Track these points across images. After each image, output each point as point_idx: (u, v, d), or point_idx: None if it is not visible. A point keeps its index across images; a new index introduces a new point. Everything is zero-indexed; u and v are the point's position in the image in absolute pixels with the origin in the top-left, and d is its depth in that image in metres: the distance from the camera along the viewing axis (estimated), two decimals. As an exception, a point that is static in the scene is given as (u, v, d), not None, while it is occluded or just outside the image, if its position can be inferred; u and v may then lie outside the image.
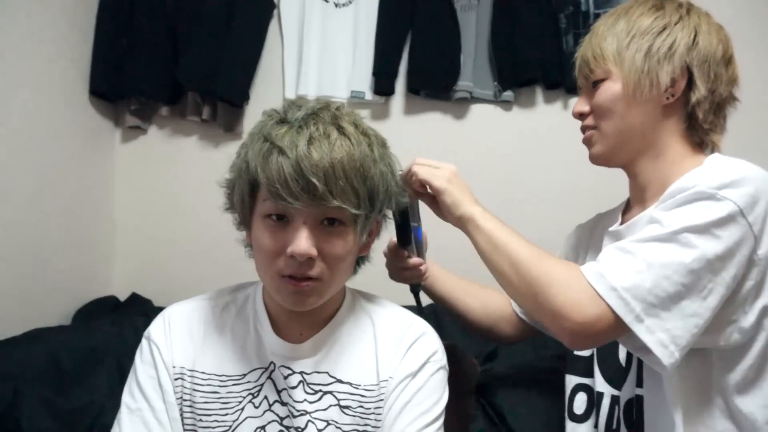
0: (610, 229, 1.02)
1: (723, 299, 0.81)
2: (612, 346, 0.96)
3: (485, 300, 1.18)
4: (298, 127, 0.77)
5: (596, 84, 0.97)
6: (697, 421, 0.85)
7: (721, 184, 0.80)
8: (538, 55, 1.80)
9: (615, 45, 0.95)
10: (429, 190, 1.00)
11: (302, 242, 0.77)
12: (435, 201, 1.01)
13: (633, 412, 0.92)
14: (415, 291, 1.13)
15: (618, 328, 0.79)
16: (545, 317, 0.85)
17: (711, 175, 0.83)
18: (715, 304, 0.80)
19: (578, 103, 1.02)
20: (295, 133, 0.76)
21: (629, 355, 0.94)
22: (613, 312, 0.79)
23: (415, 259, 1.07)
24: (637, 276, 0.79)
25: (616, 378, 0.96)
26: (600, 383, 0.98)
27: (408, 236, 1.06)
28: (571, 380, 1.03)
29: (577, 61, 1.02)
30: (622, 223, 1.00)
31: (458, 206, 0.96)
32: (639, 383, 0.91)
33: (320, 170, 0.74)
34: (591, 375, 0.99)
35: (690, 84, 0.92)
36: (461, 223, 0.97)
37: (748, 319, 0.83)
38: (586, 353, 1.01)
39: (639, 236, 0.83)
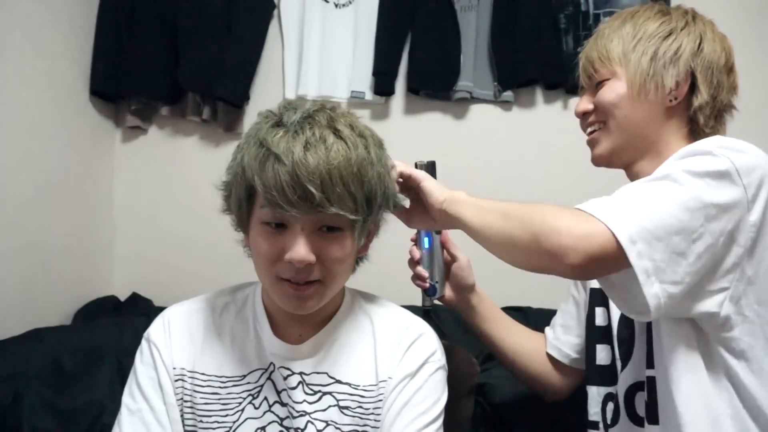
0: None
1: (708, 251, 0.78)
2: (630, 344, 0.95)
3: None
4: (293, 132, 0.76)
5: (599, 84, 0.98)
6: (708, 397, 0.83)
7: (721, 146, 0.81)
8: (538, 55, 1.80)
9: (621, 47, 0.95)
10: (409, 183, 0.96)
11: (300, 249, 0.76)
12: (408, 210, 0.98)
13: (643, 395, 0.90)
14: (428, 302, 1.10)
15: (611, 248, 0.75)
16: (544, 243, 0.79)
17: (711, 139, 0.85)
18: (700, 251, 0.77)
19: (581, 102, 1.02)
20: (290, 138, 0.75)
21: (640, 339, 0.93)
22: (608, 228, 0.75)
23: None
24: (632, 204, 0.78)
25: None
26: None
27: None
28: (600, 392, 1.02)
29: (581, 60, 1.02)
30: None
31: (442, 189, 0.94)
32: (650, 364, 0.89)
33: (317, 177, 0.73)
34: (615, 382, 0.98)
35: (692, 89, 0.94)
36: (447, 203, 0.91)
37: (738, 288, 0.81)
38: (606, 361, 1.00)
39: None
